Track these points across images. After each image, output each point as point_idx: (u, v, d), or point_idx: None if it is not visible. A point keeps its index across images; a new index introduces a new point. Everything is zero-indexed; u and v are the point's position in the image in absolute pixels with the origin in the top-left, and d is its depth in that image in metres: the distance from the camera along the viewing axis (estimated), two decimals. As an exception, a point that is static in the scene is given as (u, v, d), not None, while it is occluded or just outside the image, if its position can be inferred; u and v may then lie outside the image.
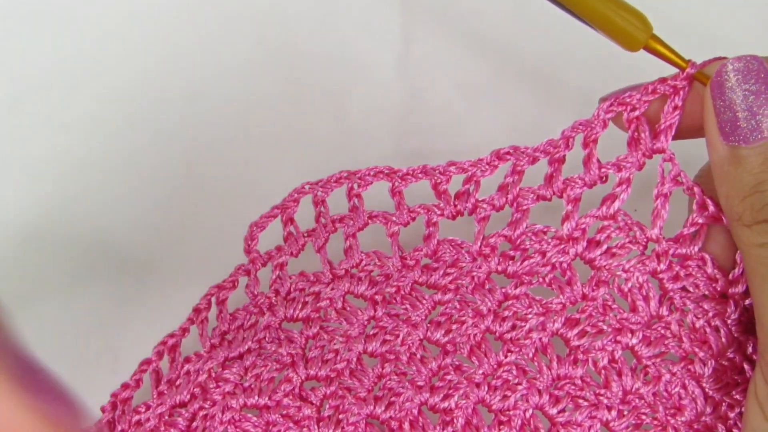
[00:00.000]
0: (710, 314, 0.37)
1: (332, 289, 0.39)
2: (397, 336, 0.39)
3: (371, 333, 0.39)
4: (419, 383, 0.38)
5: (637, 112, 0.36)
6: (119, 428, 0.38)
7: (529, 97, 0.48)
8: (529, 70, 0.49)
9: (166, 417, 0.39)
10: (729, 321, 0.37)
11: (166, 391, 0.39)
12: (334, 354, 0.39)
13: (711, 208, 0.36)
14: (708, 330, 0.37)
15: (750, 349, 0.37)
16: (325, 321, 0.39)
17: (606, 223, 0.37)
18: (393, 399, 0.38)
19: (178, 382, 0.39)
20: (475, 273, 0.38)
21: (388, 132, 0.48)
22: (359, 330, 0.39)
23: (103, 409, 0.38)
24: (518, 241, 0.38)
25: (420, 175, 0.38)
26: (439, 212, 0.38)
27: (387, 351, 0.39)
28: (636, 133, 0.36)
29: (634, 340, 0.38)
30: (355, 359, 0.39)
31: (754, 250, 0.32)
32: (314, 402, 0.39)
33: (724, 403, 0.37)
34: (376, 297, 0.39)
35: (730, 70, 0.33)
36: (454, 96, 0.48)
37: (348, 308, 0.39)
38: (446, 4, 0.49)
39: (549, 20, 0.45)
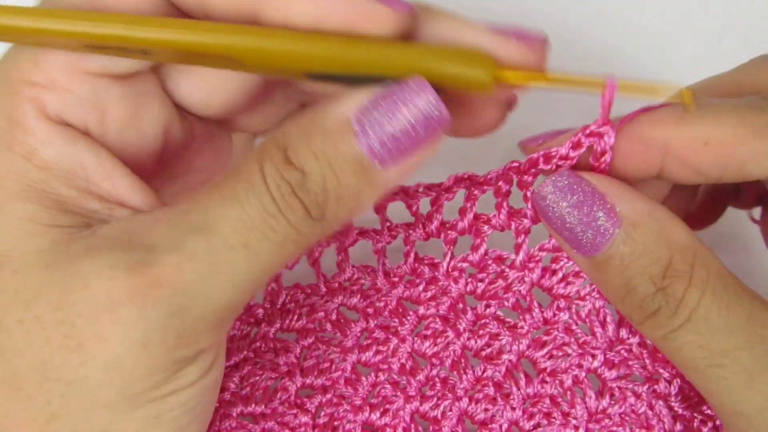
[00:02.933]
0: None
1: (326, 301, 0.40)
2: (389, 347, 0.40)
3: (364, 344, 0.40)
4: (410, 393, 0.40)
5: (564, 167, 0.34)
6: None
7: (528, 97, 0.48)
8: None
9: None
10: None
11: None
12: (330, 363, 0.40)
13: None
14: None
15: None
16: (320, 331, 0.40)
17: (558, 253, 0.37)
18: (387, 406, 0.40)
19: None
20: (448, 293, 0.39)
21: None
22: (353, 341, 0.40)
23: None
24: (482, 265, 0.39)
25: (396, 196, 0.38)
26: (414, 233, 0.39)
27: (380, 361, 0.40)
28: None
29: (596, 363, 0.38)
30: (349, 368, 0.40)
31: (661, 343, 0.32)
32: (310, 409, 0.40)
33: (696, 420, 0.37)
34: (368, 310, 0.40)
35: (547, 194, 0.32)
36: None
37: (342, 320, 0.40)
38: (446, 5, 0.49)
39: (548, 20, 0.45)
